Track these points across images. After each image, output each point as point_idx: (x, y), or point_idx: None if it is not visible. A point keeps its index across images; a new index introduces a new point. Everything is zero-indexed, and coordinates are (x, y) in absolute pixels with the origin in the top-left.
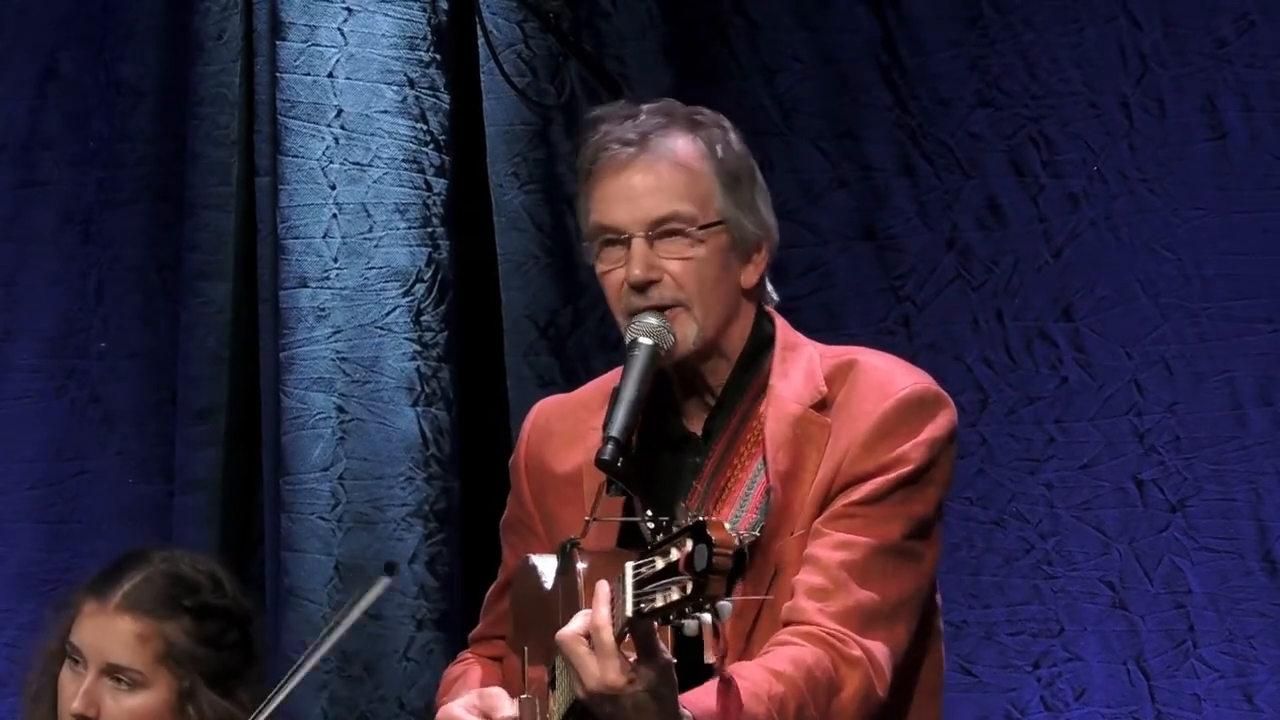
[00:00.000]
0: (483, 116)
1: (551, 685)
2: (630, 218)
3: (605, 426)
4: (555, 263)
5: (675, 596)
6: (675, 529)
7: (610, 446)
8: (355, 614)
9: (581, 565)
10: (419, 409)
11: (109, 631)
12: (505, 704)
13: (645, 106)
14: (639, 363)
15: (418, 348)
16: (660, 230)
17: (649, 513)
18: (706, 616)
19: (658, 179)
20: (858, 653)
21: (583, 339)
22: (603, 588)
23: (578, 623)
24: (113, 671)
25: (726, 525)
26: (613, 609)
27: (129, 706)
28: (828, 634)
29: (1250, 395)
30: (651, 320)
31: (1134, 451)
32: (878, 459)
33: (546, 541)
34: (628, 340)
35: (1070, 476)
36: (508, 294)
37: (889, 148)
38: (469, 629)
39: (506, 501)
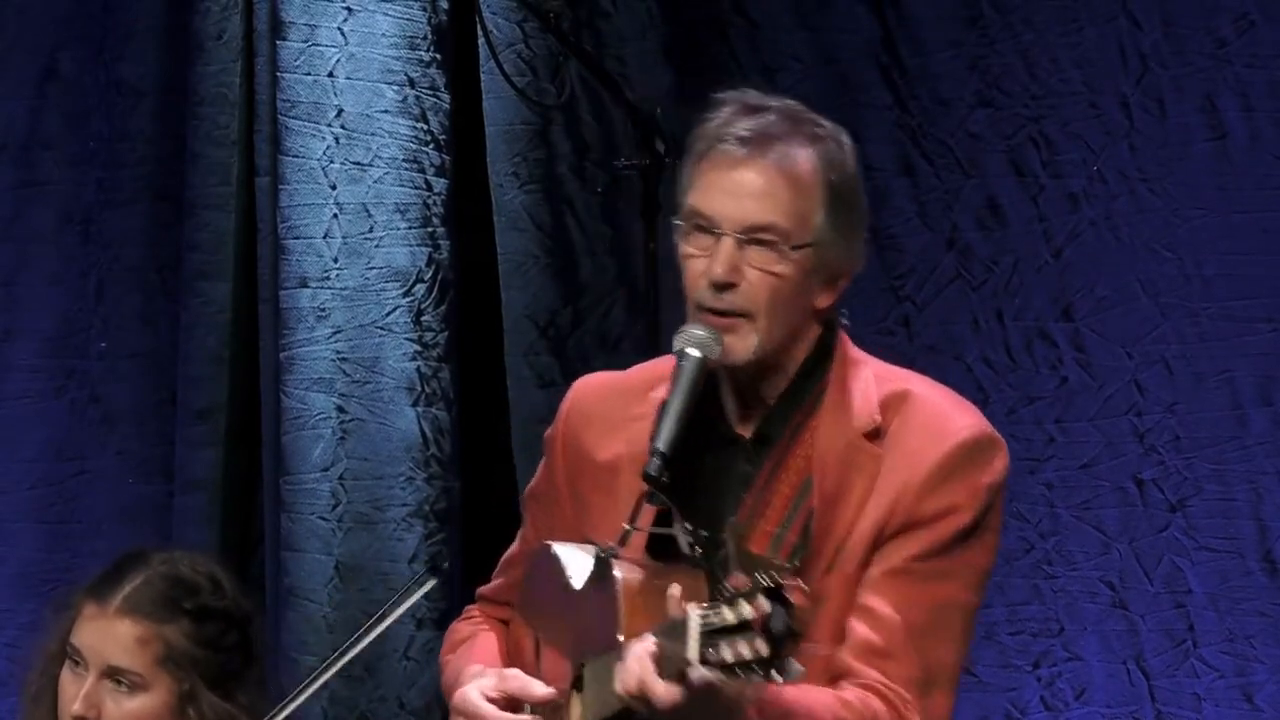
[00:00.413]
0: (483, 116)
1: (576, 687)
2: (728, 214)
3: (653, 438)
4: (555, 263)
5: (746, 654)
6: (758, 580)
7: (657, 461)
8: (399, 612)
9: (619, 574)
10: (419, 409)
11: (109, 634)
12: (535, 686)
13: (772, 104)
14: (687, 375)
15: (418, 348)
16: (753, 237)
17: (688, 526)
18: (777, 676)
19: (767, 185)
20: None
21: (583, 339)
22: (637, 654)
23: (632, 683)
24: (113, 674)
25: (804, 587)
26: (660, 660)
27: (129, 709)
28: (893, 695)
29: (1250, 395)
30: (699, 331)
31: (1134, 451)
32: (934, 506)
33: (573, 521)
34: (675, 349)
35: (1070, 476)
36: (508, 294)
37: (889, 148)
38: None
39: (537, 470)
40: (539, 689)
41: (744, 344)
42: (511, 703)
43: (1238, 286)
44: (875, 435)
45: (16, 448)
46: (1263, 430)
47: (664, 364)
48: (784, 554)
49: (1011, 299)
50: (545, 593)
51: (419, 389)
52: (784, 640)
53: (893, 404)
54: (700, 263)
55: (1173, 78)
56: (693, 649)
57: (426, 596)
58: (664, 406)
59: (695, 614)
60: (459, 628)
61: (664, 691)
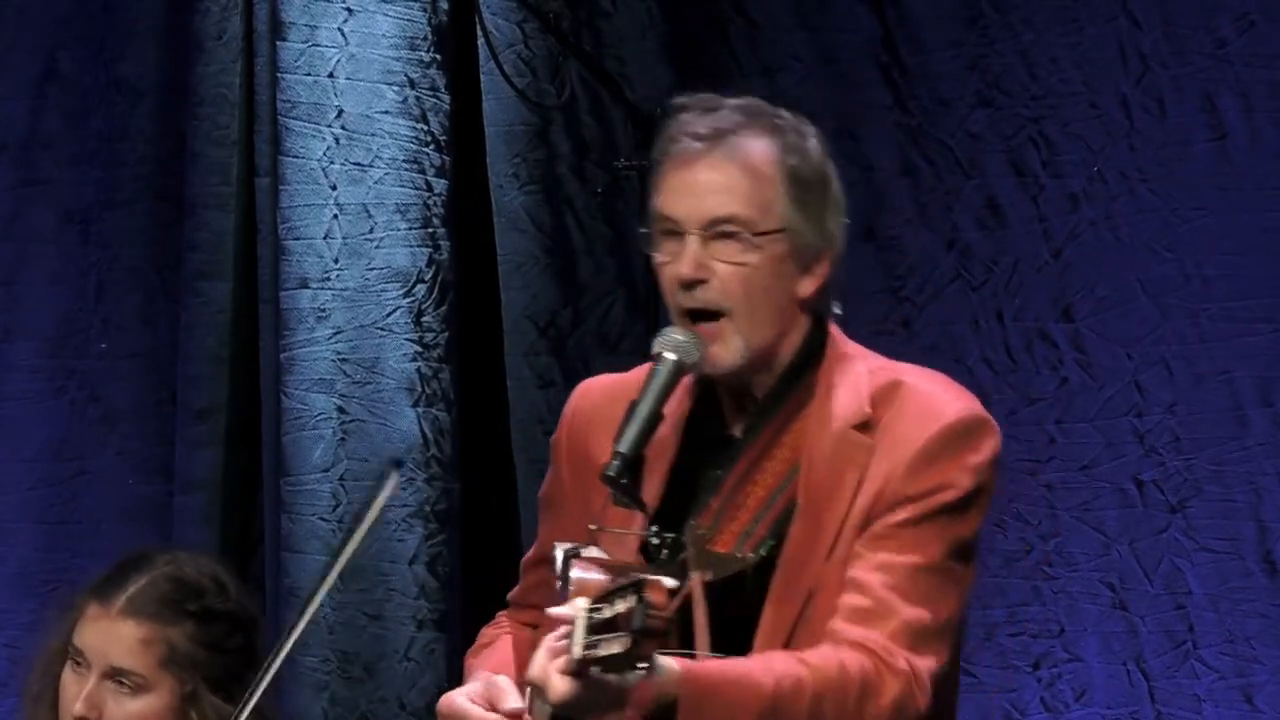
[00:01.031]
0: (483, 117)
1: None
2: (689, 213)
3: (616, 440)
4: (555, 263)
5: (617, 650)
6: (630, 579)
7: (616, 462)
8: (373, 514)
9: (575, 574)
10: (420, 410)
11: (112, 635)
12: (510, 696)
13: (729, 102)
14: (660, 379)
15: (418, 348)
16: (716, 231)
17: (654, 528)
18: (641, 673)
19: (724, 179)
20: (902, 664)
21: (583, 339)
22: (544, 647)
23: (536, 674)
24: (115, 675)
25: (670, 583)
26: (560, 655)
27: (131, 710)
28: (875, 646)
29: (1250, 395)
30: (678, 336)
31: (1134, 452)
32: (921, 485)
33: (581, 523)
34: (653, 352)
35: (1070, 477)
36: (508, 294)
37: (889, 148)
38: (470, 629)
39: (547, 474)
40: (510, 702)
41: (729, 349)
42: (494, 709)
43: (1238, 286)
44: (866, 427)
45: (16, 448)
46: (1263, 430)
47: None
48: (749, 547)
49: (1011, 299)
50: (550, 590)
51: (419, 390)
52: (640, 637)
53: (885, 396)
54: (672, 267)
55: (1173, 78)
56: (577, 645)
57: (427, 598)
58: (632, 408)
59: (582, 611)
60: (485, 632)
61: (556, 684)
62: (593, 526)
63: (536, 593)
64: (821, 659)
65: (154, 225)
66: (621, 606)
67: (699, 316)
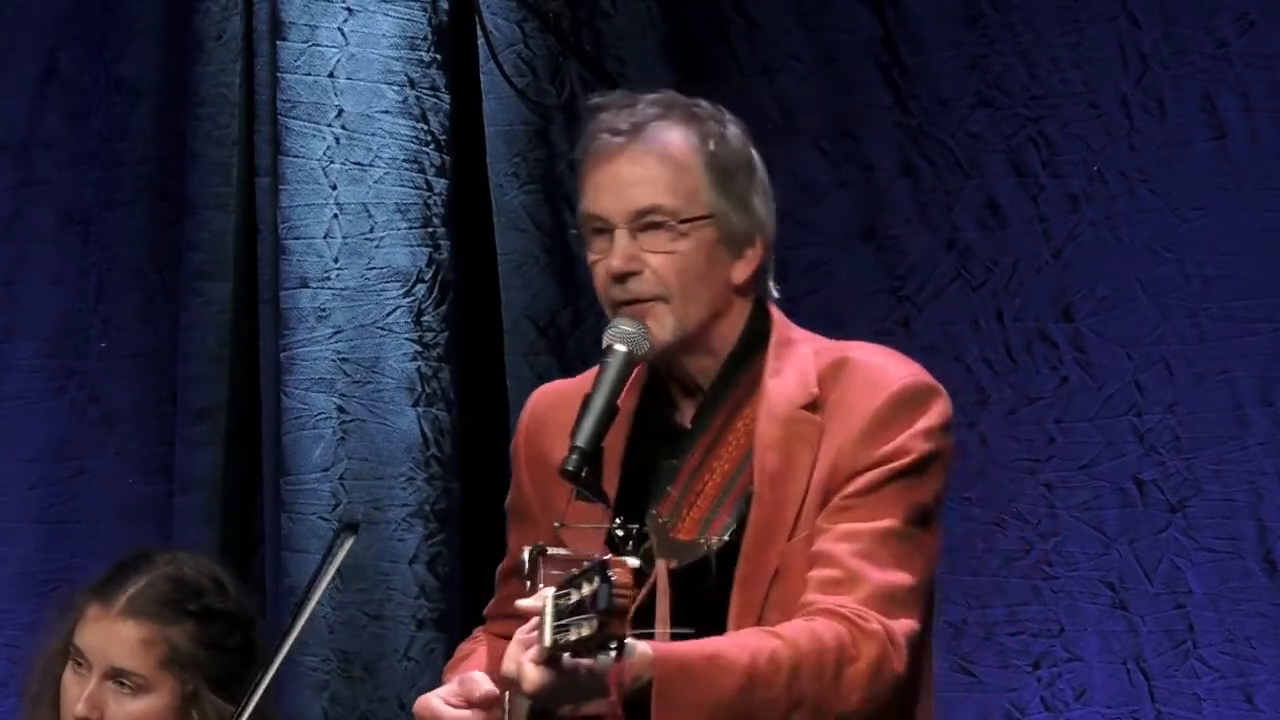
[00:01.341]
0: (483, 117)
1: None
2: (614, 208)
3: (572, 434)
4: (555, 263)
5: (586, 633)
6: (593, 561)
7: (575, 456)
8: (327, 577)
9: (541, 570)
10: (420, 409)
11: (113, 635)
12: (484, 685)
13: (645, 97)
14: (612, 370)
15: (418, 348)
16: (643, 222)
17: (618, 520)
18: (612, 654)
19: (644, 170)
20: (876, 626)
21: (583, 339)
22: (515, 639)
23: (510, 667)
24: (116, 675)
25: (633, 562)
26: (531, 646)
27: (132, 710)
28: (847, 611)
29: (1250, 395)
30: (627, 327)
31: (1134, 451)
32: (873, 453)
33: (546, 527)
34: (604, 344)
35: (1070, 477)
36: (508, 294)
37: (889, 148)
38: (469, 629)
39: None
40: (482, 688)
41: (661, 326)
42: (469, 706)
43: (1238, 286)
44: (814, 406)
45: (16, 448)
46: (1263, 430)
47: None
48: (712, 532)
49: (1011, 299)
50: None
51: (419, 389)
52: (606, 617)
53: (831, 374)
54: (603, 263)
55: (1173, 78)
56: (546, 633)
57: (427, 597)
58: (586, 401)
59: (550, 599)
60: (462, 647)
61: (529, 674)
62: (557, 524)
63: (511, 604)
64: (794, 630)
65: (154, 225)
66: (587, 589)
67: (630, 303)
